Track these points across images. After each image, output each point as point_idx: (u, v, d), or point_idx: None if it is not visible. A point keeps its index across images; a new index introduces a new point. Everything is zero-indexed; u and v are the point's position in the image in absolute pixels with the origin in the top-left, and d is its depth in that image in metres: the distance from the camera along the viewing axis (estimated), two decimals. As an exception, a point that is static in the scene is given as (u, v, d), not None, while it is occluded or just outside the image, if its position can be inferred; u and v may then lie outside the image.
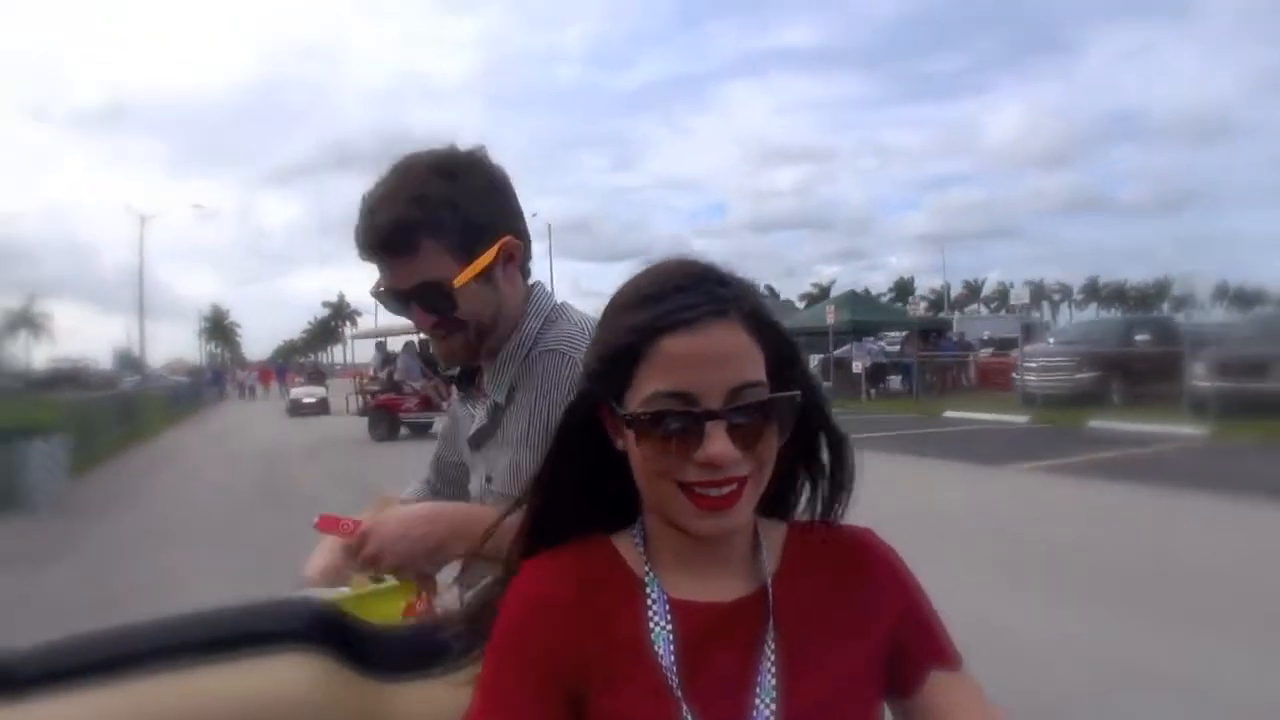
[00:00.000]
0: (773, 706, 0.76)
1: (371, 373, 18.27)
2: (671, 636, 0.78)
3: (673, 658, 0.77)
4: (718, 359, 0.75)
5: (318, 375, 34.69)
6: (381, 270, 1.25)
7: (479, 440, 1.33)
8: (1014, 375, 17.77)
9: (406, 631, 1.11)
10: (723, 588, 0.81)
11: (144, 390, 25.03)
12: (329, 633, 0.98)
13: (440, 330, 1.26)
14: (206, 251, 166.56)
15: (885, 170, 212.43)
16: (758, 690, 0.77)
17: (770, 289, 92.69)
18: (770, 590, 0.81)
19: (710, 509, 0.76)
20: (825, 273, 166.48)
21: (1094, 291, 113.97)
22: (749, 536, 0.84)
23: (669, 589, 0.81)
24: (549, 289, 1.36)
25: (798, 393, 0.79)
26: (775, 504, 0.86)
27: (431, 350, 1.38)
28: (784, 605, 0.81)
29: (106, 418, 16.39)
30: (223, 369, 60.55)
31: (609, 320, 0.82)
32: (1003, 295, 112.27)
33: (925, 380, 20.41)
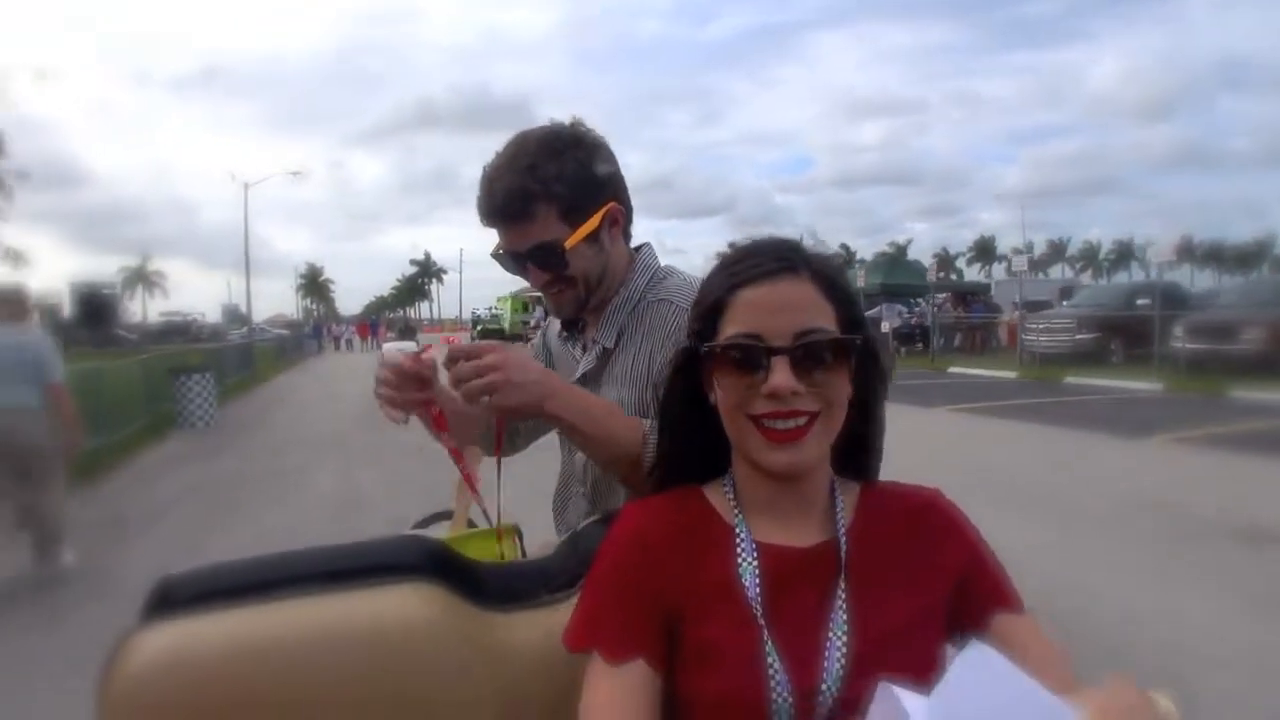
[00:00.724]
0: (844, 639, 0.84)
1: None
2: (758, 574, 0.88)
3: (758, 592, 0.86)
4: (786, 306, 0.87)
5: (409, 330, 35.03)
6: (500, 235, 1.35)
7: (585, 381, 1.41)
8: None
9: (510, 567, 1.23)
10: (802, 534, 0.91)
11: (253, 342, 28.38)
12: (442, 567, 1.06)
13: (553, 287, 1.38)
14: (300, 210, 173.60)
15: (978, 122, 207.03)
16: (831, 625, 0.85)
17: (845, 247, 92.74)
18: (843, 539, 0.90)
19: (779, 442, 0.86)
20: (911, 230, 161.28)
21: (1188, 251, 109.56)
22: (826, 490, 0.94)
23: (755, 533, 0.91)
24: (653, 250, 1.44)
25: (859, 336, 0.89)
26: (849, 464, 0.96)
27: (545, 305, 1.49)
28: (856, 552, 0.89)
29: (232, 363, 19.67)
30: (321, 324, 64.21)
31: (704, 282, 0.96)
32: (1090, 254, 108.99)
33: (954, 341, 22.06)
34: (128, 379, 11.14)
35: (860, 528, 0.92)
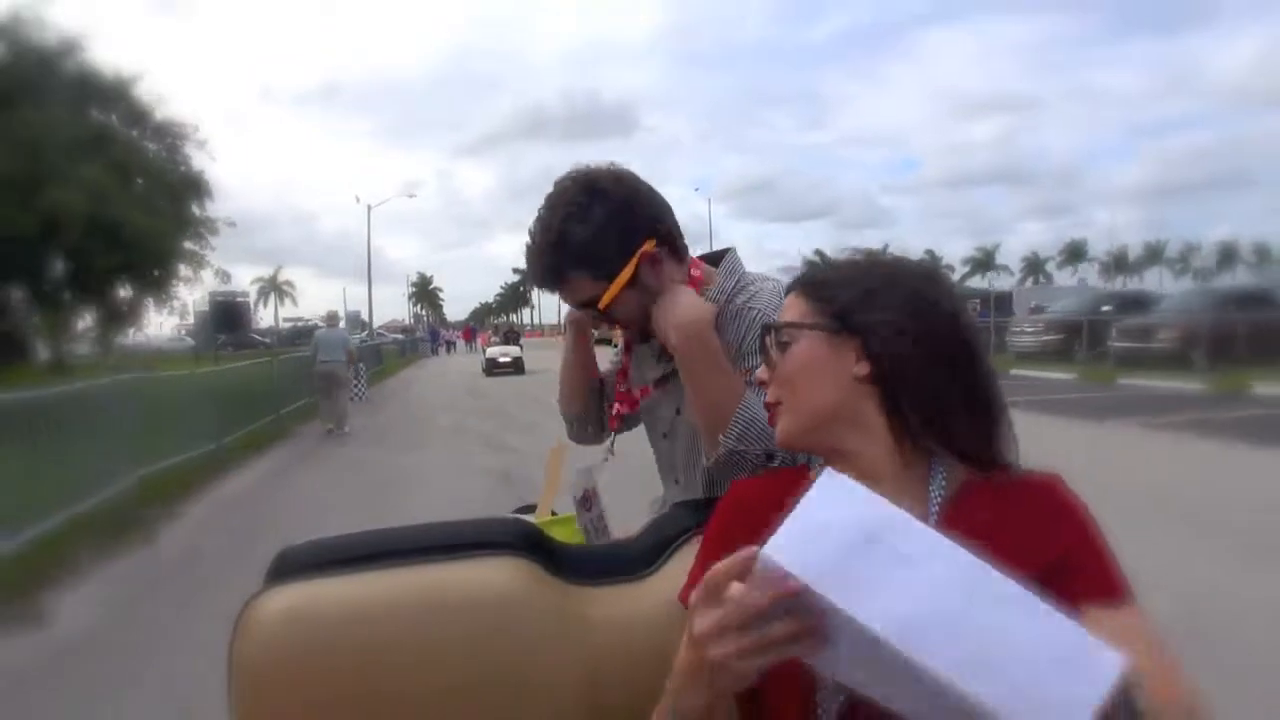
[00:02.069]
0: None
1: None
2: None
3: None
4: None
5: (513, 334, 35.39)
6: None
7: (662, 382, 1.53)
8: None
9: (595, 548, 1.38)
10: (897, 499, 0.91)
11: (380, 345, 34.21)
12: (532, 544, 1.17)
13: (612, 327, 1.51)
14: (411, 219, 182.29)
15: (1095, 116, 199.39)
16: None
17: (930, 253, 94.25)
18: (933, 514, 0.91)
19: (771, 423, 1.03)
20: (1025, 230, 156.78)
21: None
22: (923, 469, 0.94)
23: None
24: (739, 254, 1.53)
25: (827, 323, 0.96)
26: (916, 446, 0.94)
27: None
28: (950, 524, 0.86)
29: (370, 360, 25.30)
30: (437, 328, 70.53)
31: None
32: (1186, 257, 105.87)
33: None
34: (295, 367, 16.47)
35: (960, 502, 0.93)
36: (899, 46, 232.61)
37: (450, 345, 57.28)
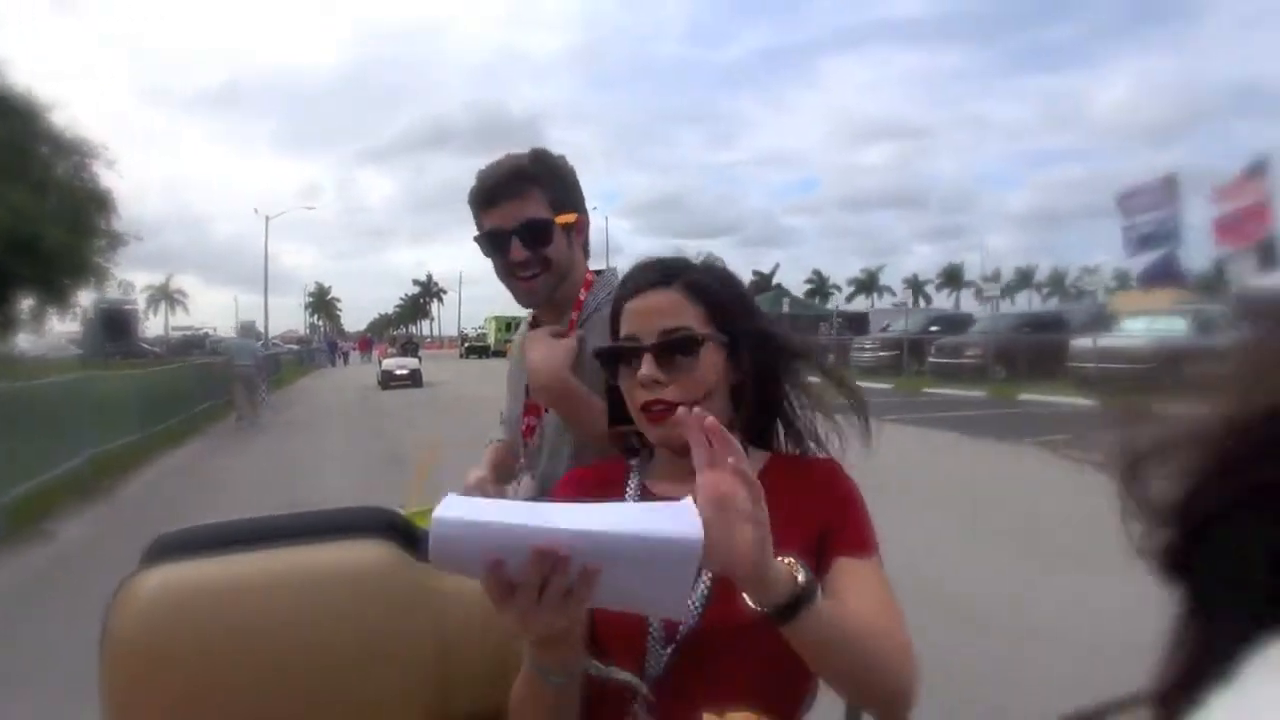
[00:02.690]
0: (708, 575, 1.00)
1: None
2: None
3: None
4: (653, 312, 1.09)
5: (411, 345, 34.92)
6: (488, 215, 1.56)
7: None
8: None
9: None
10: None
11: (279, 354, 35.20)
12: (396, 529, 1.25)
13: (528, 269, 1.56)
14: (308, 226, 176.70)
15: (986, 146, 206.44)
16: None
17: (817, 272, 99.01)
18: None
19: (654, 422, 1.07)
20: (919, 252, 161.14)
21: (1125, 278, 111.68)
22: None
23: (651, 485, 1.13)
24: (615, 267, 1.66)
25: (714, 334, 1.08)
26: (761, 437, 1.14)
27: (513, 294, 1.64)
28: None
29: (268, 370, 26.67)
30: (334, 339, 69.63)
31: (617, 288, 1.18)
32: (1056, 280, 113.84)
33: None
34: (203, 373, 18.08)
35: (762, 479, 0.98)
36: (802, 71, 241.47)
37: (343, 356, 57.71)
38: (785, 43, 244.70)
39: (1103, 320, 18.74)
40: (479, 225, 1.60)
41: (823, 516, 1.06)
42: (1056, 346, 18.30)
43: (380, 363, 29.08)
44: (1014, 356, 19.61)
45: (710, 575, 0.99)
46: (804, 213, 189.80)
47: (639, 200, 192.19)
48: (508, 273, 1.59)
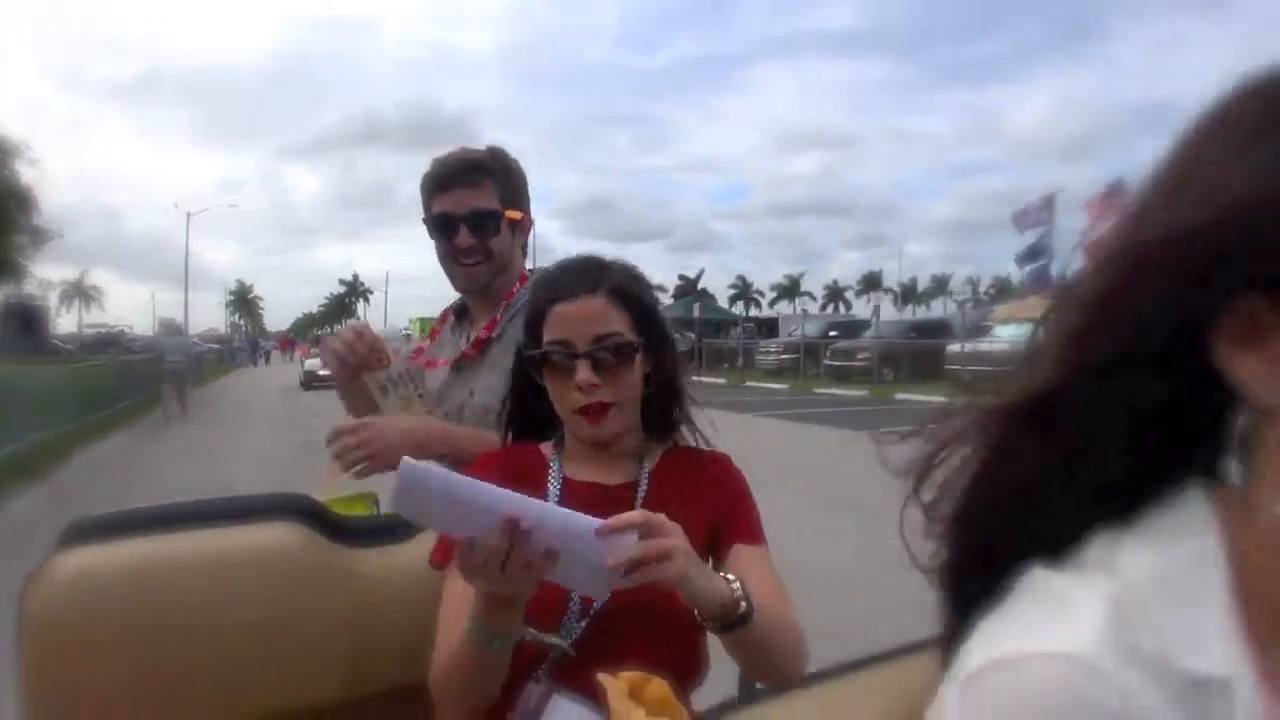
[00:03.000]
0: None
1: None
2: (559, 498, 1.14)
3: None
4: (586, 319, 1.13)
5: None
6: (440, 199, 1.62)
7: (461, 364, 1.68)
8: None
9: (367, 518, 1.48)
10: (611, 476, 1.18)
11: (201, 354, 35.27)
12: (311, 513, 1.30)
13: (473, 257, 1.62)
14: (231, 222, 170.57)
15: (910, 157, 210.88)
16: None
17: (742, 278, 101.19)
18: (644, 480, 1.18)
19: (591, 422, 1.14)
20: (845, 259, 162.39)
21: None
22: (635, 446, 1.20)
23: (571, 474, 1.19)
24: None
25: (641, 337, 1.15)
26: (660, 424, 1.22)
27: (451, 278, 1.69)
28: (653, 490, 1.16)
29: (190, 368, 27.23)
30: (256, 338, 70.09)
31: (531, 294, 1.24)
32: (971, 288, 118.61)
33: (720, 362, 30.42)
34: (128, 370, 18.70)
35: (660, 473, 1.19)
36: (733, 79, 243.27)
37: (265, 355, 57.77)
38: (717, 51, 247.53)
39: (979, 327, 20.52)
40: (428, 209, 1.66)
41: (717, 507, 1.16)
42: (936, 351, 20.04)
43: (303, 363, 28.98)
44: (899, 360, 21.35)
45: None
46: (733, 219, 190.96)
47: (570, 202, 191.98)
48: (451, 257, 1.65)
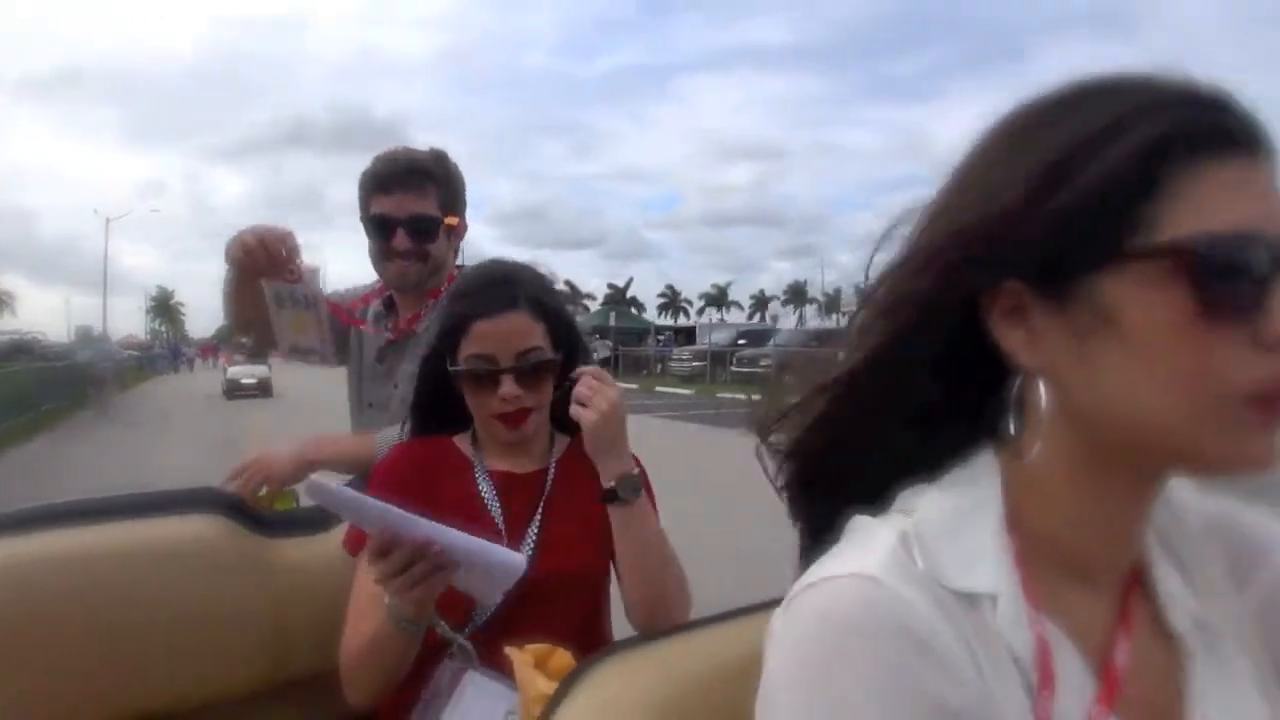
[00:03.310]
0: (536, 533, 1.22)
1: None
2: (494, 491, 1.24)
3: (495, 501, 1.24)
4: (509, 335, 1.20)
5: (260, 351, 32.90)
6: (380, 200, 1.67)
7: (383, 355, 1.77)
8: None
9: (287, 511, 1.52)
10: (523, 465, 1.28)
11: (123, 361, 35.30)
12: (230, 506, 1.33)
13: (408, 258, 1.67)
14: (152, 224, 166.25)
15: (840, 170, 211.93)
16: (536, 520, 1.23)
17: (671, 288, 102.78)
18: (553, 468, 1.29)
19: (512, 427, 1.23)
20: (777, 269, 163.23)
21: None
22: (545, 438, 1.31)
23: (489, 465, 1.27)
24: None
25: (560, 355, 1.23)
26: (572, 424, 1.26)
27: (382, 273, 1.75)
28: (560, 476, 1.28)
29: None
30: (178, 345, 68.73)
31: (448, 306, 1.27)
32: None
33: (639, 368, 31.77)
34: (48, 377, 19.14)
35: (566, 462, 1.29)
36: (667, 88, 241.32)
37: (189, 362, 57.19)
38: (653, 60, 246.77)
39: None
40: (366, 207, 1.69)
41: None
42: (831, 356, 21.42)
43: (225, 370, 27.84)
44: (799, 366, 22.69)
45: (538, 536, 1.22)
46: (667, 227, 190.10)
47: (504, 209, 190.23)
48: (385, 256, 1.69)
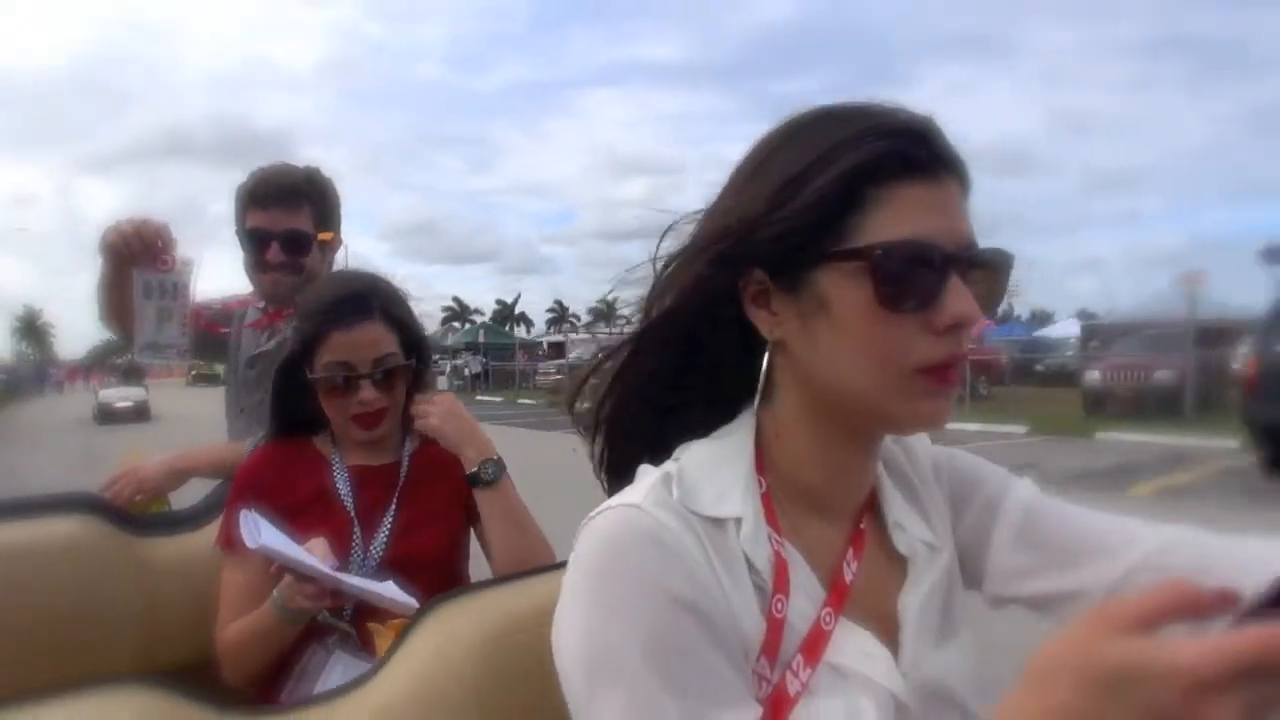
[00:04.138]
0: (391, 521, 1.31)
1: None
2: (349, 485, 1.32)
3: (350, 494, 1.31)
4: (366, 344, 1.28)
5: (135, 371, 29.40)
6: (255, 214, 1.72)
7: (254, 362, 1.81)
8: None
9: (161, 513, 1.57)
10: (379, 459, 1.36)
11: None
12: (101, 507, 1.38)
13: (282, 270, 1.72)
14: (19, 239, 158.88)
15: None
16: (392, 508, 1.32)
17: (559, 303, 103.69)
18: (405, 461, 1.37)
19: (367, 428, 1.31)
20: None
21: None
22: (398, 434, 1.39)
23: (347, 461, 1.35)
24: None
25: (413, 360, 1.34)
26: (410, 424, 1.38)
27: (256, 285, 1.81)
28: (412, 469, 1.36)
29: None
30: (46, 367, 67.12)
31: (304, 315, 1.33)
32: None
33: (513, 381, 33.43)
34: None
35: (419, 456, 1.38)
36: (562, 103, 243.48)
37: (56, 384, 55.90)
38: (546, 76, 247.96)
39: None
40: (241, 219, 1.75)
41: (463, 479, 1.35)
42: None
43: (97, 392, 26.59)
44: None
45: (393, 523, 1.31)
46: (562, 242, 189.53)
47: (396, 223, 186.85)
48: (260, 269, 1.74)
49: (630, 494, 0.64)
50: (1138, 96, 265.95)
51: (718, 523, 0.64)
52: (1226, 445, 9.83)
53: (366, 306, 1.31)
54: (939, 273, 0.61)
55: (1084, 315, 36.49)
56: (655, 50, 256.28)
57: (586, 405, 0.75)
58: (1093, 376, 14.90)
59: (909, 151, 0.62)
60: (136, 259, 1.54)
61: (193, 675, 1.25)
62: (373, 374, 1.29)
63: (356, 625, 1.22)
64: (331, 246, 1.84)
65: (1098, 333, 22.71)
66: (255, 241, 1.73)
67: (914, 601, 0.69)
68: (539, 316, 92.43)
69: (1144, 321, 17.73)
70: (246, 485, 1.29)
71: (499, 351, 37.79)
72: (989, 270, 0.65)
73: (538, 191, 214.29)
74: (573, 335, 37.69)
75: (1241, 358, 9.02)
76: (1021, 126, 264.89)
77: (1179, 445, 10.52)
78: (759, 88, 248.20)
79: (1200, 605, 0.43)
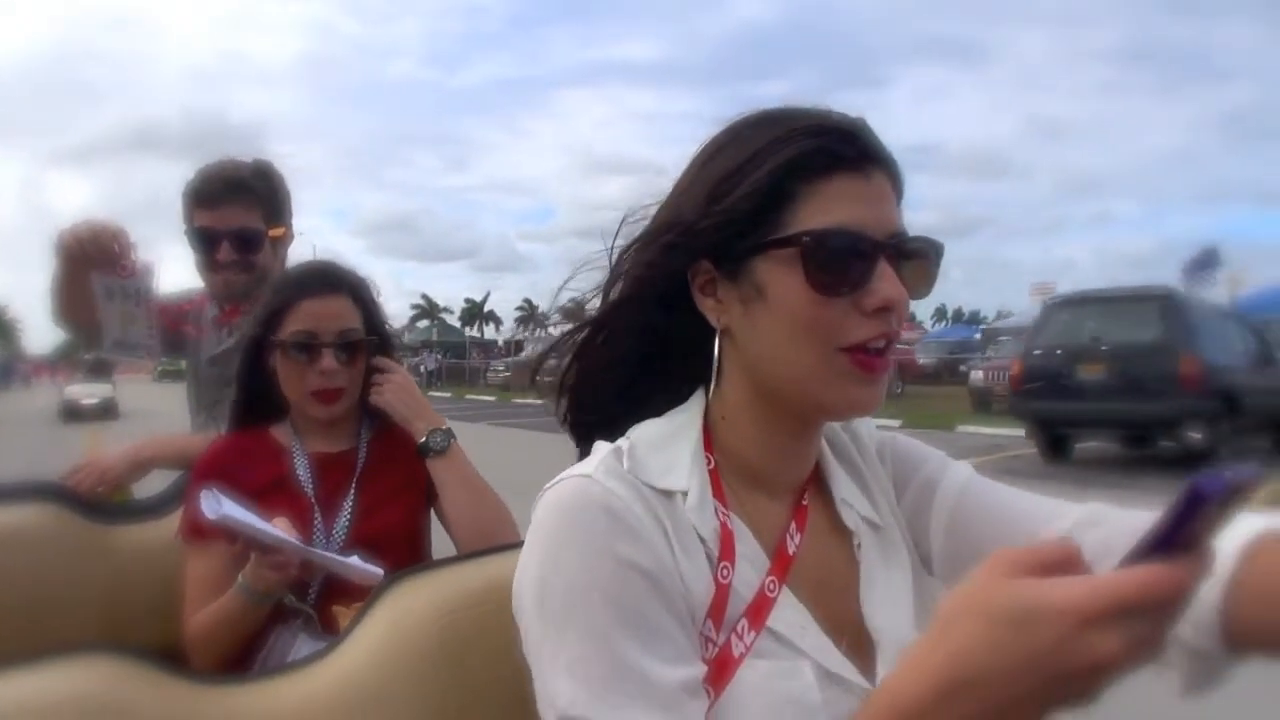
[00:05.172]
0: (351, 504, 1.33)
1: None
2: (310, 471, 1.34)
3: (311, 480, 1.33)
4: (332, 315, 1.32)
5: (103, 367, 27.02)
6: (203, 213, 1.68)
7: (216, 361, 1.80)
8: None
9: (124, 501, 1.58)
10: (337, 445, 1.38)
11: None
12: (62, 494, 1.39)
13: (233, 269, 1.70)
14: None
15: None
16: (351, 492, 1.34)
17: (529, 301, 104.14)
18: (363, 448, 1.40)
19: (325, 403, 1.33)
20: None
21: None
22: (356, 420, 1.41)
23: (317, 450, 1.37)
24: None
25: (374, 337, 1.37)
26: (379, 410, 1.40)
27: (209, 285, 1.78)
28: (370, 455, 1.39)
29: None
30: (12, 362, 66.04)
31: (275, 290, 1.38)
32: None
33: (460, 378, 34.77)
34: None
35: (375, 440, 1.41)
36: (541, 101, 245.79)
37: (23, 380, 56.22)
38: (524, 74, 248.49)
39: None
40: (189, 219, 1.72)
41: (419, 464, 1.39)
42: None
43: (62, 390, 25.30)
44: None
45: (354, 507, 1.33)
46: (539, 240, 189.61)
47: (372, 220, 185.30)
48: (211, 268, 1.73)
49: (583, 466, 0.68)
50: (1109, 101, 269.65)
51: (668, 495, 0.67)
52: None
53: (337, 282, 1.37)
54: (867, 259, 0.65)
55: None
56: (633, 50, 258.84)
57: (549, 379, 0.79)
58: (978, 377, 16.54)
59: (837, 148, 0.66)
60: (93, 262, 1.53)
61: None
62: (336, 344, 1.32)
63: (320, 609, 1.25)
64: (283, 241, 1.82)
65: (993, 336, 24.51)
66: (204, 241, 1.71)
67: (874, 579, 0.73)
68: (507, 315, 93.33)
69: (1020, 326, 19.36)
70: (206, 474, 1.30)
71: (460, 349, 38.93)
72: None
73: (516, 189, 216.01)
74: (525, 335, 38.77)
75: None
76: (996, 130, 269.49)
77: (1008, 436, 11.74)
78: (736, 89, 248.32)
79: (1080, 560, 0.48)
